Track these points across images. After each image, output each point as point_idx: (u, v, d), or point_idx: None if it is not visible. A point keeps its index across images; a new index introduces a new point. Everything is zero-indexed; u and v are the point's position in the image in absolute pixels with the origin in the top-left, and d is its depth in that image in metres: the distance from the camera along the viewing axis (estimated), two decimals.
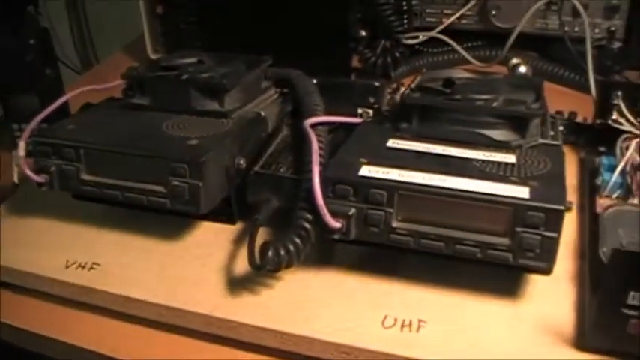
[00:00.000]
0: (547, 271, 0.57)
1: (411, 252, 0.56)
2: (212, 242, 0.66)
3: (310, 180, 0.56)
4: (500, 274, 0.59)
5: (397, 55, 0.93)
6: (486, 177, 0.55)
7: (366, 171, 0.56)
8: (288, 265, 0.57)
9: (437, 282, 0.60)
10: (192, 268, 0.63)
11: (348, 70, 0.92)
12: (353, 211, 0.56)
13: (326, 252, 0.63)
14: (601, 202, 0.63)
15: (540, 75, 0.94)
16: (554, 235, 0.52)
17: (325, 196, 0.56)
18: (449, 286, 0.59)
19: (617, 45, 0.97)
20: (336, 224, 0.56)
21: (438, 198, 0.54)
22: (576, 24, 0.98)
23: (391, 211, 0.55)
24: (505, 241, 0.53)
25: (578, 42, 0.95)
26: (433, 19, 1.03)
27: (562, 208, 0.52)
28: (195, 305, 0.59)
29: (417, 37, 0.99)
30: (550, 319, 0.56)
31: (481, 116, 0.62)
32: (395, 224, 0.56)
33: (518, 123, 0.62)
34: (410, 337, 0.54)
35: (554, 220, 0.52)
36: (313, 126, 0.65)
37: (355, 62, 0.98)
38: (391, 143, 0.62)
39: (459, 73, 0.71)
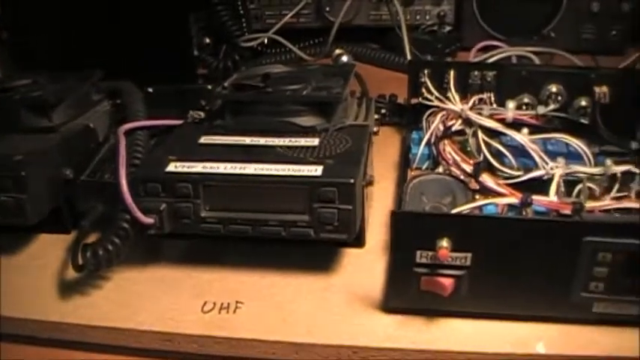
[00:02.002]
0: (352, 242, 0.61)
1: (223, 238, 0.60)
2: (48, 252, 0.68)
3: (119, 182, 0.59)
4: (316, 251, 0.63)
5: (237, 58, 0.96)
6: (285, 161, 0.59)
7: (173, 167, 0.59)
8: (109, 264, 0.60)
9: (256, 265, 0.63)
10: (29, 278, 0.65)
11: (194, 77, 0.95)
12: (164, 206, 0.59)
13: (153, 249, 0.66)
14: (412, 174, 0.67)
15: (373, 62, 0.99)
16: (348, 207, 0.56)
17: (138, 195, 0.59)
18: (267, 267, 0.63)
19: (447, 29, 1.02)
20: (148, 220, 0.58)
21: (239, 185, 0.58)
22: (407, 13, 1.03)
23: (199, 202, 0.58)
24: (305, 217, 0.57)
25: (413, 29, 1.00)
26: (273, 21, 1.07)
27: (352, 181, 0.56)
28: (30, 312, 0.61)
29: (255, 40, 1.02)
30: (361, 288, 0.60)
31: (287, 105, 0.66)
32: (204, 214, 0.59)
33: (323, 108, 0.66)
34: (227, 319, 0.57)
35: (347, 193, 0.56)
36: (132, 131, 0.67)
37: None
38: (203, 140, 0.65)
39: (277, 68, 0.74)
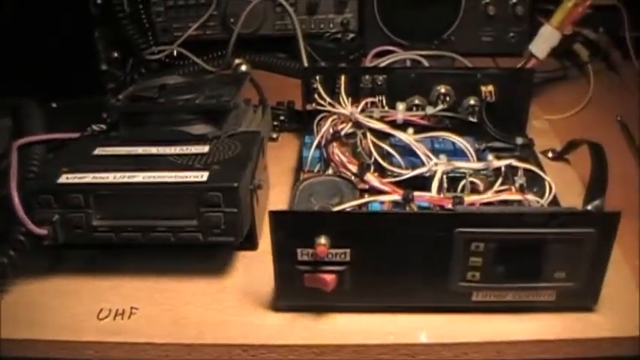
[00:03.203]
0: (245, 245, 0.63)
1: (121, 246, 0.62)
2: None
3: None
4: (211, 255, 0.65)
5: (143, 71, 0.98)
6: (174, 168, 0.61)
7: (64, 178, 0.61)
8: (5, 277, 0.61)
9: (152, 271, 0.64)
10: None
11: (104, 91, 0.96)
12: (57, 216, 0.60)
13: (53, 260, 0.67)
14: (304, 177, 0.70)
15: (276, 71, 1.02)
16: (234, 210, 0.58)
17: (31, 207, 0.60)
18: (162, 273, 0.64)
19: (350, 36, 1.05)
20: (41, 231, 0.60)
21: (128, 193, 0.60)
22: (312, 21, 1.06)
23: (90, 211, 0.60)
24: (193, 222, 0.59)
25: (317, 37, 1.04)
26: (180, 33, 1.08)
27: (235, 185, 0.58)
28: None
29: (160, 52, 1.04)
30: (253, 289, 0.62)
31: (178, 114, 0.68)
32: (95, 223, 0.60)
33: (214, 116, 0.68)
34: (121, 324, 0.59)
35: (231, 197, 0.58)
36: (29, 145, 0.68)
37: None
38: (97, 151, 0.66)
39: (173, 79, 0.76)
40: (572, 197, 0.69)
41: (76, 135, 0.72)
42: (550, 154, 0.80)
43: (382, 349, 0.56)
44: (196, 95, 0.70)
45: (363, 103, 0.74)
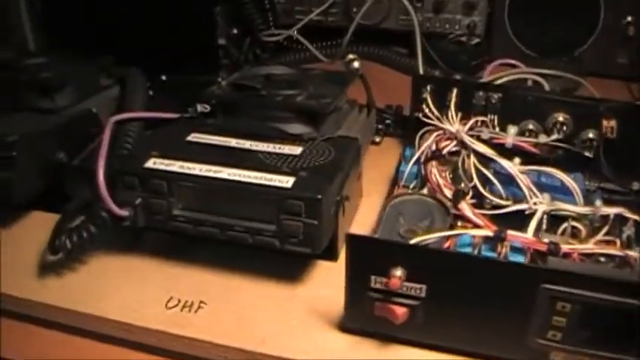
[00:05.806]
0: (324, 255, 0.61)
1: (194, 238, 0.61)
2: (34, 232, 0.69)
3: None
4: (289, 259, 0.63)
5: (258, 52, 0.97)
6: (261, 168, 0.59)
7: (151, 163, 0.60)
8: (81, 251, 0.61)
9: (227, 266, 0.63)
10: (9, 255, 0.66)
11: (218, 66, 0.95)
12: (139, 200, 0.60)
13: (133, 238, 0.67)
14: (397, 192, 0.67)
15: (394, 67, 0.98)
16: (314, 222, 0.56)
17: (115, 186, 0.60)
18: (237, 269, 0.63)
19: (475, 41, 1.00)
20: (122, 212, 0.60)
21: (211, 188, 0.58)
22: (437, 20, 1.02)
23: (172, 199, 0.59)
24: (272, 227, 0.57)
25: (441, 37, 0.99)
26: (302, 17, 1.07)
27: (319, 197, 0.55)
28: (7, 288, 0.63)
29: (277, 35, 1.02)
30: (323, 303, 0.59)
31: (276, 111, 0.66)
32: (176, 212, 0.59)
33: (312, 117, 0.66)
34: (187, 317, 0.58)
35: (313, 208, 0.56)
36: (124, 121, 0.68)
37: None
38: (191, 137, 0.65)
39: (279, 70, 0.74)
40: None
41: (175, 115, 0.71)
42: None
43: None
44: (299, 92, 0.67)
45: (472, 121, 0.70)
